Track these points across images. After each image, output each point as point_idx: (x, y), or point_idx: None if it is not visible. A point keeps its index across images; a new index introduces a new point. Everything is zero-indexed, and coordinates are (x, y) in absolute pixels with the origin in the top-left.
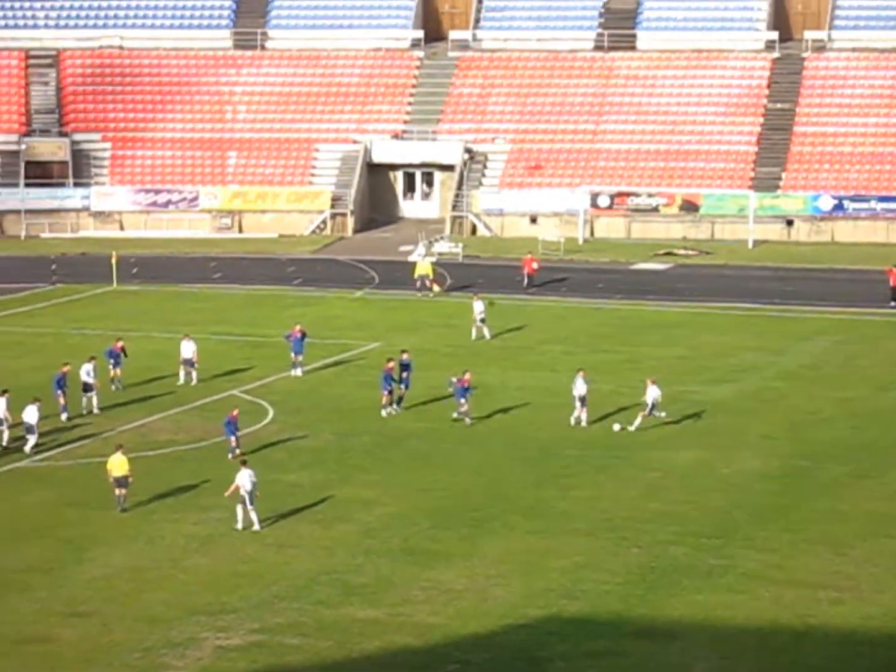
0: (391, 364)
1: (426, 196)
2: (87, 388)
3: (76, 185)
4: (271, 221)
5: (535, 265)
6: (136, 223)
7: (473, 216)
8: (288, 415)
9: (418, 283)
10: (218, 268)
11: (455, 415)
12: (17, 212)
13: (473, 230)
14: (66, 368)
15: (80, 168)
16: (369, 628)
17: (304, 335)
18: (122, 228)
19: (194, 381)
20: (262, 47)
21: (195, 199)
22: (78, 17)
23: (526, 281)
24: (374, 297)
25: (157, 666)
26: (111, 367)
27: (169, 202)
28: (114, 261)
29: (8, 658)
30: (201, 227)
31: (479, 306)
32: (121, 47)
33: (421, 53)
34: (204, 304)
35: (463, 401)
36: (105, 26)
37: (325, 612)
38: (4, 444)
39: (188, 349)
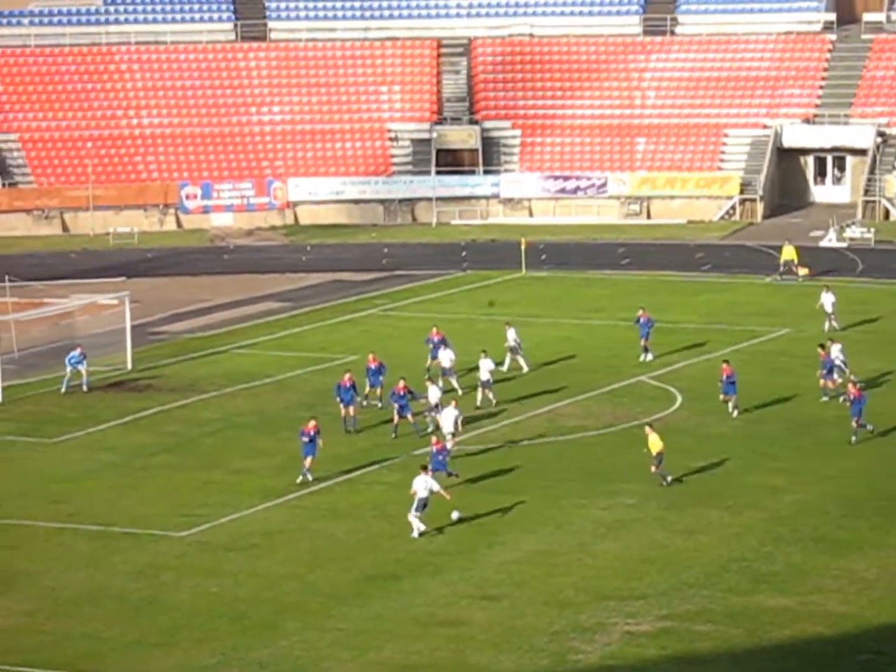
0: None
1: (837, 181)
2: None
3: (486, 172)
4: (680, 207)
5: None
6: (544, 209)
7: (886, 200)
8: (696, 401)
9: (782, 269)
10: (626, 253)
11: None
12: (429, 199)
13: (886, 215)
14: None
15: (490, 155)
16: (779, 617)
17: (649, 321)
18: (530, 215)
19: (525, 369)
20: (672, 32)
21: (604, 185)
22: (489, 5)
23: None
24: (784, 283)
25: (566, 650)
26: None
27: (577, 188)
28: (523, 247)
29: (420, 640)
30: (609, 213)
31: (828, 298)
32: (531, 35)
33: (833, 36)
34: (611, 289)
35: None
36: (515, 14)
37: (734, 600)
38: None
39: (511, 336)
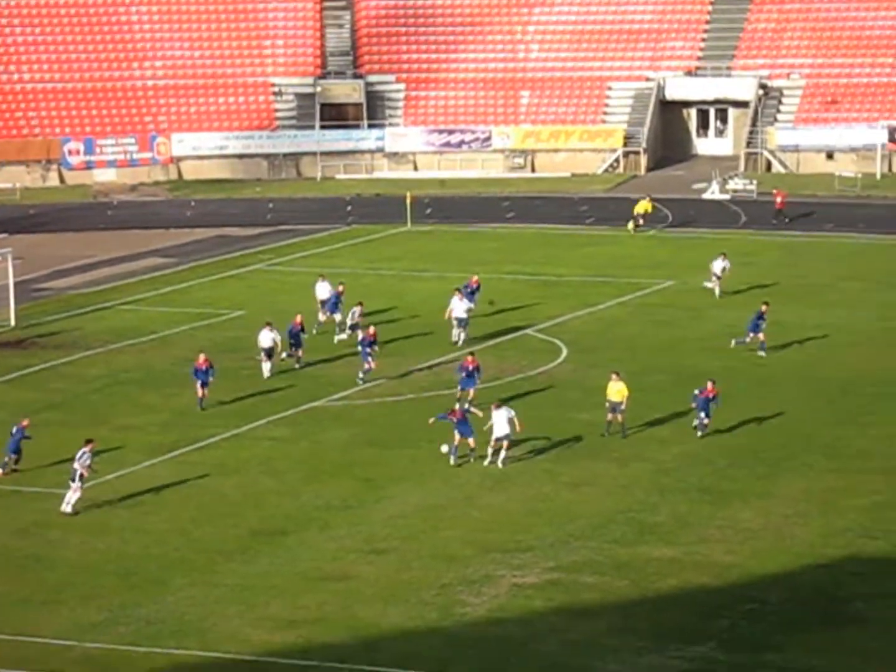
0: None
1: (720, 133)
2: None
3: (370, 126)
4: (564, 160)
5: (779, 199)
6: (429, 164)
7: (768, 153)
8: (582, 353)
9: (636, 220)
10: (511, 207)
11: (697, 429)
12: (313, 154)
13: (768, 167)
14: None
15: (374, 109)
16: (665, 567)
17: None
18: (415, 169)
19: (321, 322)
20: None
21: (488, 138)
22: None
23: (776, 214)
24: (668, 236)
25: (454, 603)
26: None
27: (462, 142)
28: (408, 201)
29: (309, 594)
30: (494, 166)
31: (718, 264)
32: None
33: None
34: (497, 243)
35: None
36: None
37: (620, 551)
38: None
39: (324, 290)
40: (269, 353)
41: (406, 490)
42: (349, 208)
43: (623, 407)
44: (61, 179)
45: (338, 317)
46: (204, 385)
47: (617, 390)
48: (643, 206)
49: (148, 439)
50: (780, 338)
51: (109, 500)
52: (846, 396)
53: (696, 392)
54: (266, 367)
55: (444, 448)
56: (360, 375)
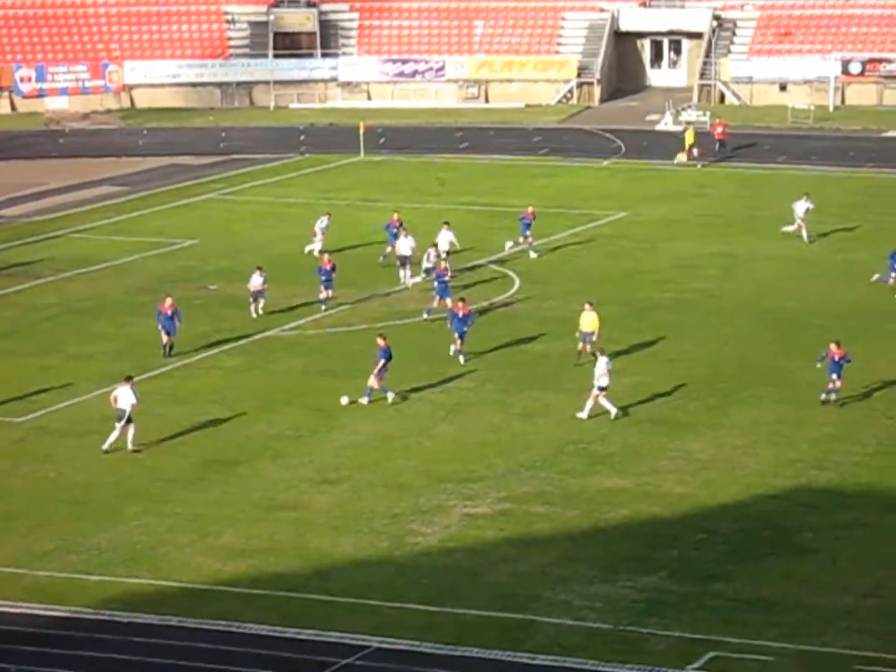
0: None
1: (673, 64)
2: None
3: (324, 55)
4: (517, 91)
5: (719, 129)
6: (383, 93)
7: (722, 84)
8: (535, 285)
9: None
10: (464, 137)
11: (823, 395)
12: (266, 83)
13: (722, 98)
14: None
15: (327, 39)
16: (616, 497)
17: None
18: (369, 98)
19: (311, 250)
20: None
21: (442, 68)
22: None
23: (718, 146)
24: (621, 167)
25: (406, 533)
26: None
27: (416, 72)
28: (361, 131)
29: (261, 524)
30: (447, 96)
31: (801, 206)
32: None
33: None
34: (450, 173)
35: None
36: None
37: (571, 482)
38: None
39: (321, 224)
40: (255, 296)
41: (358, 420)
42: (302, 138)
43: (594, 338)
44: (13, 107)
45: (398, 248)
46: (168, 333)
47: (590, 321)
48: (692, 136)
49: (100, 368)
50: (733, 270)
51: (61, 429)
52: (798, 328)
53: (823, 354)
54: (252, 308)
55: (345, 400)
56: (427, 309)
